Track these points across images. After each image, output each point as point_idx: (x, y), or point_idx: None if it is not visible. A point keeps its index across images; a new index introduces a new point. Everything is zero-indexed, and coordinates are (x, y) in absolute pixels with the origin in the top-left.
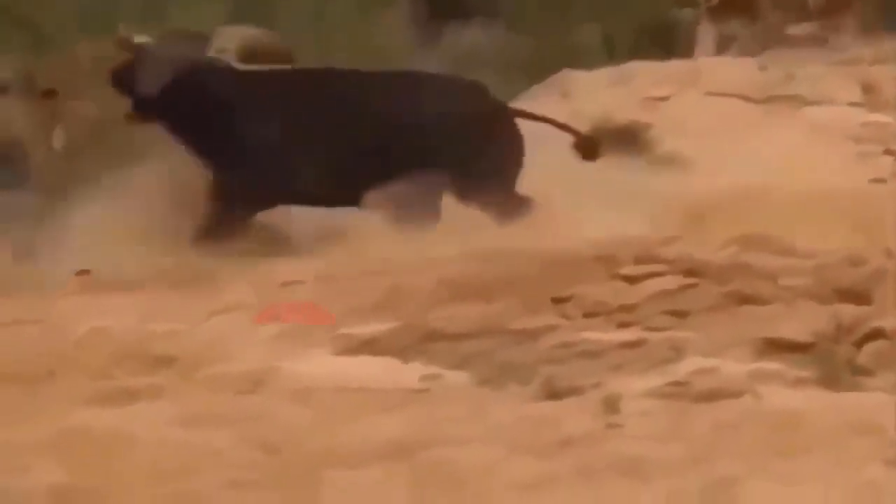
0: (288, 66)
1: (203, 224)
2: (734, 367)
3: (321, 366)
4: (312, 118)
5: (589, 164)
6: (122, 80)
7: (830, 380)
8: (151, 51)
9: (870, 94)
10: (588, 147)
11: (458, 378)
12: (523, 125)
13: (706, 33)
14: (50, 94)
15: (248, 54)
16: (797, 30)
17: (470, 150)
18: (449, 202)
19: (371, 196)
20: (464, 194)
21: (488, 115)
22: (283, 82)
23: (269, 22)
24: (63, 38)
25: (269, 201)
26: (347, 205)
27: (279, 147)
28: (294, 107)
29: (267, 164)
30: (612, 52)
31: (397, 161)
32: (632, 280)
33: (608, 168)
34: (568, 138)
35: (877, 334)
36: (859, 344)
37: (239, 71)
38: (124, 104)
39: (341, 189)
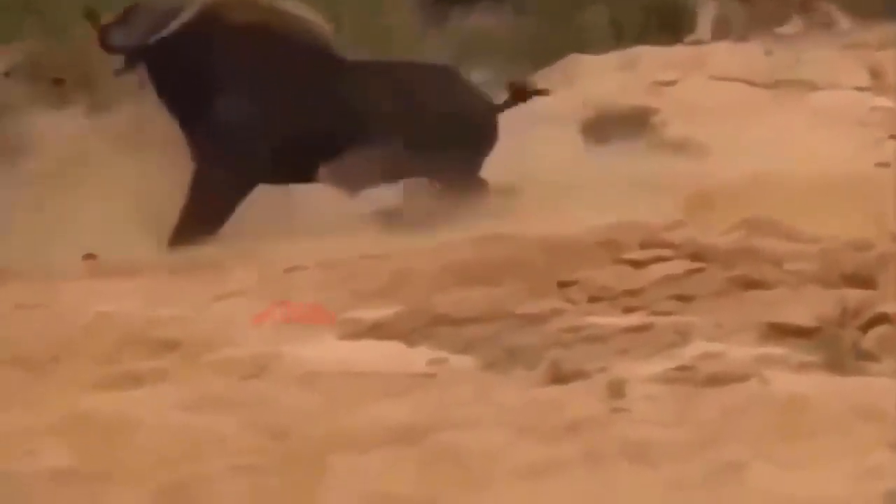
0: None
1: (182, 220)
2: (740, 352)
3: (327, 350)
4: (284, 97)
5: (595, 150)
6: (114, 35)
7: (836, 364)
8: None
9: (876, 79)
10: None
11: (463, 362)
12: (530, 111)
13: (706, 13)
14: (58, 82)
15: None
16: (787, 29)
17: (427, 125)
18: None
19: (323, 171)
20: (420, 170)
21: (453, 99)
22: (264, 53)
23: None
24: (72, 25)
25: (249, 185)
26: (304, 181)
27: (252, 125)
28: (267, 83)
29: (243, 141)
30: (620, 37)
31: (359, 140)
32: (637, 265)
33: (614, 152)
34: (573, 123)
35: (882, 319)
36: (864, 329)
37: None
38: (129, 89)
39: (301, 168)
